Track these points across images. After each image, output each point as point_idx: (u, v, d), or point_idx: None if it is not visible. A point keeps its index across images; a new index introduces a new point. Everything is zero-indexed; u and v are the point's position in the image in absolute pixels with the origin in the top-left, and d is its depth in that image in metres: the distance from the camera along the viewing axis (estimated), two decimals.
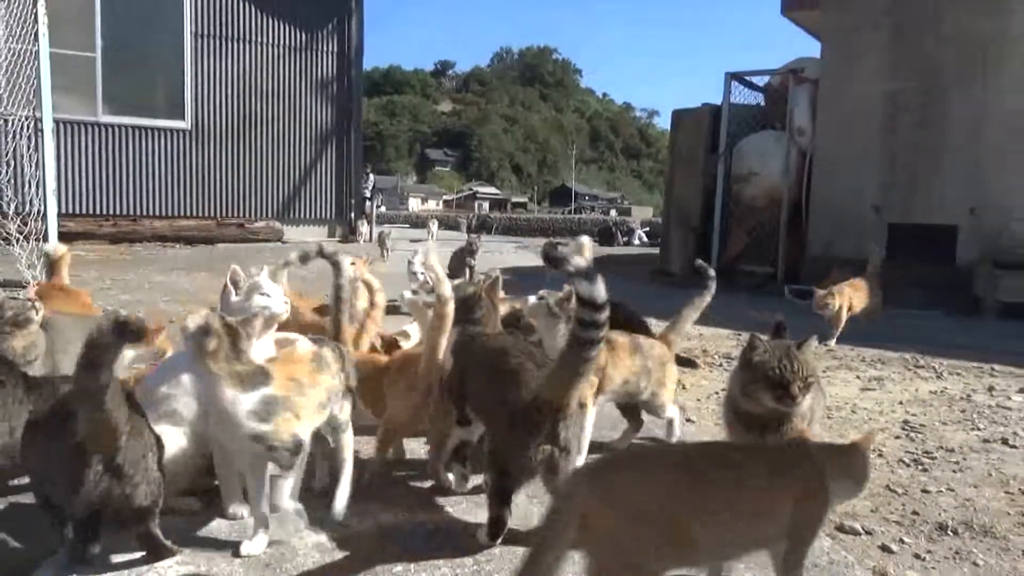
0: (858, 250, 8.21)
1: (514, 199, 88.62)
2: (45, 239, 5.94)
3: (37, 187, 5.95)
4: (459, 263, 8.45)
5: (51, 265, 3.69)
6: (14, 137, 5.96)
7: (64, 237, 9.63)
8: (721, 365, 4.58)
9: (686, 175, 9.85)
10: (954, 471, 2.67)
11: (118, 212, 11.14)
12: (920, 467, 2.72)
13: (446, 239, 14.85)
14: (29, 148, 5.92)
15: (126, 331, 1.46)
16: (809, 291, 7.44)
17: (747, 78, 9.60)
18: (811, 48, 9.58)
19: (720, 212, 9.21)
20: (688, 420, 3.25)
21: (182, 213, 11.64)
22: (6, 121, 5.86)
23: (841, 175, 8.42)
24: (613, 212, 59.82)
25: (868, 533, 2.19)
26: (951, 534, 2.22)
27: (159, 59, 11.73)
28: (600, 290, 1.62)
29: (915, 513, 2.35)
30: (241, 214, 12.12)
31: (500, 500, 1.80)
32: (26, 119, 5.99)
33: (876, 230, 8.21)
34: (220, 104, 12.01)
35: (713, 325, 5.60)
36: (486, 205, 73.59)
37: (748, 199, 9.18)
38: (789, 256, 8.75)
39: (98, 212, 10.97)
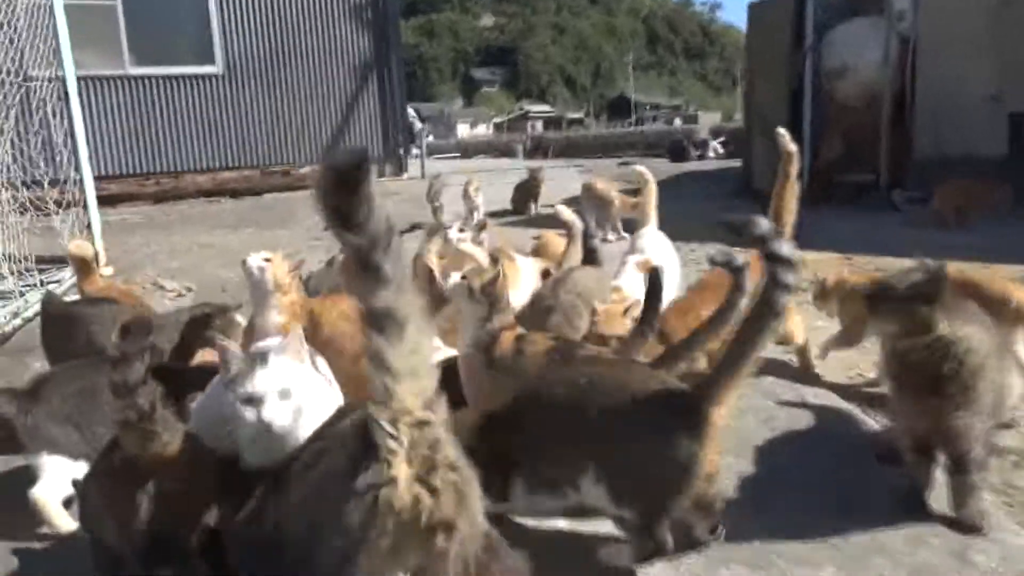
0: (974, 147, 7.59)
1: (569, 115, 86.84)
2: (85, 207, 5.88)
3: (70, 154, 5.85)
4: (524, 197, 8.16)
5: (80, 265, 3.24)
6: (42, 104, 5.82)
7: (106, 201, 9.70)
8: None
9: (768, 76, 9.21)
10: None
11: (158, 169, 11.13)
12: None
13: (502, 169, 14.51)
14: (57, 113, 5.79)
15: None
16: (922, 197, 6.97)
17: None
18: None
19: (810, 115, 8.60)
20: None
21: (223, 165, 11.56)
22: (28, 90, 5.70)
23: (951, 63, 7.70)
24: (677, 121, 58.08)
25: None
26: None
27: (183, 1, 11.49)
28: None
29: None
30: (285, 160, 11.98)
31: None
32: (49, 81, 5.84)
33: (994, 122, 7.55)
34: (250, 43, 11.75)
35: (816, 248, 5.18)
36: (539, 125, 72.26)
37: (842, 98, 8.53)
38: (893, 160, 8.16)
39: (138, 171, 10.98)
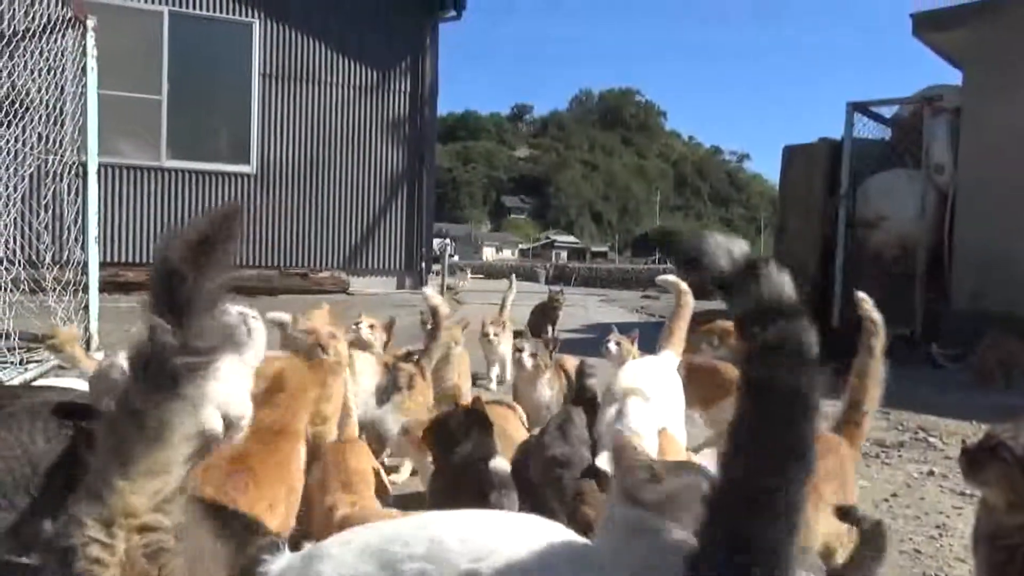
0: (1013, 304, 7.24)
1: (594, 248, 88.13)
2: (85, 291, 5.65)
3: (78, 234, 5.68)
4: (540, 320, 7.86)
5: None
6: (55, 179, 5.70)
7: (121, 288, 9.54)
8: (877, 456, 3.78)
9: (800, 220, 9.02)
10: None
11: None
12: None
13: (523, 291, 14.30)
14: (70, 193, 5.67)
15: None
16: (959, 354, 6.57)
17: (872, 109, 8.75)
18: (917, 78, 8.75)
19: (842, 262, 8.34)
20: None
21: (244, 262, 11.46)
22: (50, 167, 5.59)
23: (991, 216, 7.48)
24: None
25: None
26: None
27: (226, 102, 11.75)
28: None
29: None
30: (305, 263, 11.88)
31: None
32: (77, 163, 5.77)
33: None
34: (287, 147, 11.90)
35: None
36: (564, 254, 73.28)
37: (876, 247, 8.29)
38: (928, 313, 7.81)
39: None
